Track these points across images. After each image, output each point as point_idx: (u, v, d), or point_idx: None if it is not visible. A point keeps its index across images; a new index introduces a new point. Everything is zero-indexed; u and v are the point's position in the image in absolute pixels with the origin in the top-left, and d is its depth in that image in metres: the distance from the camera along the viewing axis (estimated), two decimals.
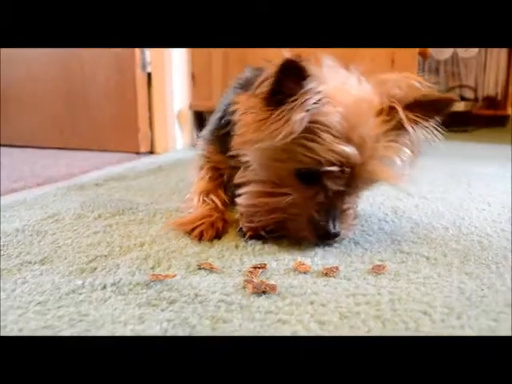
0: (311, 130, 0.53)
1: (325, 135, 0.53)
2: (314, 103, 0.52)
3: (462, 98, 2.27)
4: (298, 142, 0.54)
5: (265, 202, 0.59)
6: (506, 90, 2.30)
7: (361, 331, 0.41)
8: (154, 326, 0.42)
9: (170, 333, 0.40)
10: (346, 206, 0.59)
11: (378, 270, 0.53)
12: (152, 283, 0.50)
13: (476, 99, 2.34)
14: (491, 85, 2.31)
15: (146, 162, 1.30)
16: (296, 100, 0.51)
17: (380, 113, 0.56)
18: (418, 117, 0.55)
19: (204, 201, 0.71)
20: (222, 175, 0.75)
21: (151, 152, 1.45)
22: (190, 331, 0.41)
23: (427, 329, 0.41)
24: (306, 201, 0.57)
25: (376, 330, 0.41)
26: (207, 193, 0.72)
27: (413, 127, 0.55)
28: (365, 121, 0.55)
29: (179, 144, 1.60)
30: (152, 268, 0.55)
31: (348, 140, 0.54)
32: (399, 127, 0.55)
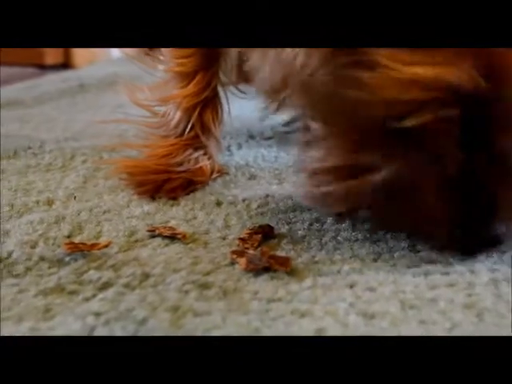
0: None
1: None
2: None
3: None
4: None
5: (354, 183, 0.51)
6: None
7: (437, 328, 0.41)
8: (71, 322, 0.42)
9: (100, 332, 0.41)
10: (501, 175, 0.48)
11: None
12: (68, 258, 0.51)
13: None
14: None
15: (56, 79, 1.33)
16: None
17: None
18: None
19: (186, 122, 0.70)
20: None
21: (65, 65, 1.49)
22: (135, 329, 0.41)
23: None
24: (419, 178, 0.49)
25: (465, 325, 0.41)
26: (193, 107, 0.71)
27: None
28: None
29: (115, 51, 1.61)
30: (68, 236, 0.56)
31: None
32: None
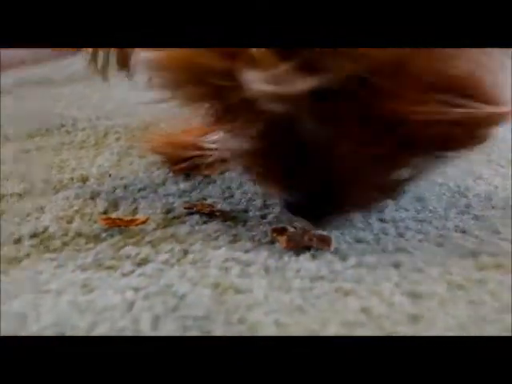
0: None
1: None
2: None
3: None
4: None
5: None
6: None
7: (486, 308, 0.41)
8: (111, 295, 0.43)
9: (140, 306, 0.41)
10: None
11: None
12: (104, 233, 0.52)
13: None
14: None
15: (84, 59, 1.34)
16: None
17: None
18: None
19: None
20: None
21: None
22: (175, 304, 0.42)
23: None
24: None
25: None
26: None
27: None
28: None
29: None
30: (104, 213, 0.57)
31: None
32: None
